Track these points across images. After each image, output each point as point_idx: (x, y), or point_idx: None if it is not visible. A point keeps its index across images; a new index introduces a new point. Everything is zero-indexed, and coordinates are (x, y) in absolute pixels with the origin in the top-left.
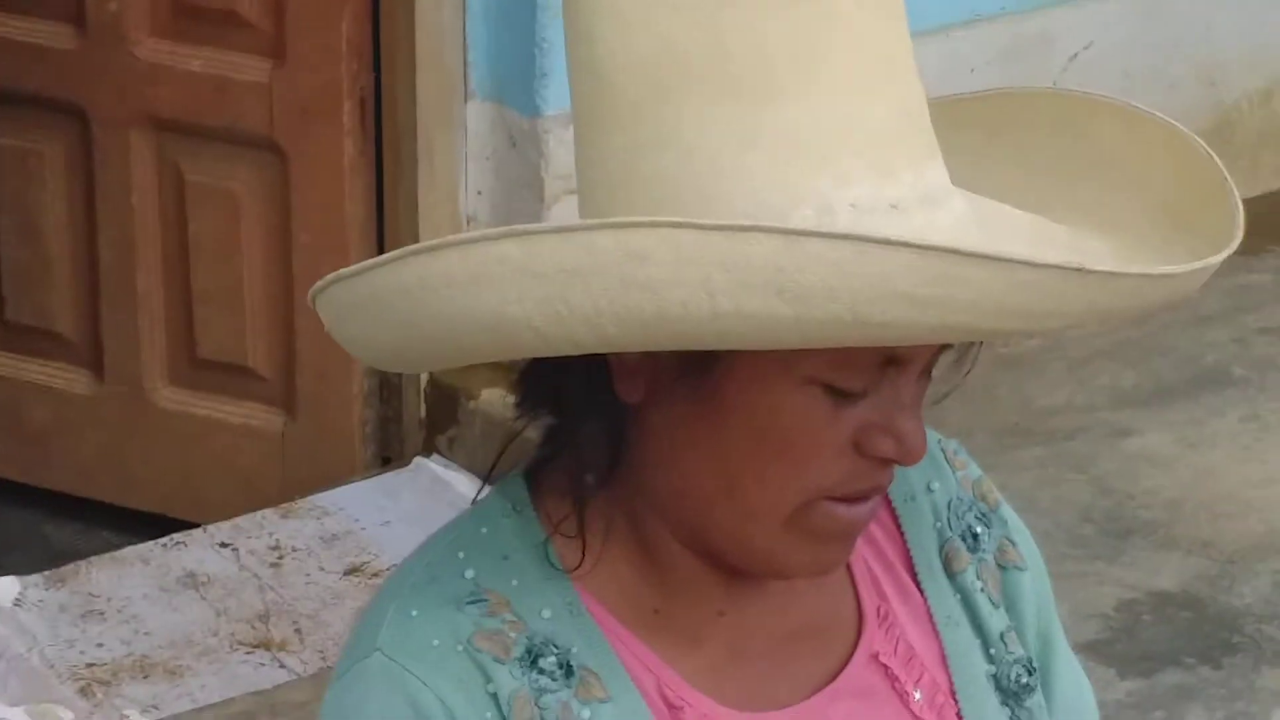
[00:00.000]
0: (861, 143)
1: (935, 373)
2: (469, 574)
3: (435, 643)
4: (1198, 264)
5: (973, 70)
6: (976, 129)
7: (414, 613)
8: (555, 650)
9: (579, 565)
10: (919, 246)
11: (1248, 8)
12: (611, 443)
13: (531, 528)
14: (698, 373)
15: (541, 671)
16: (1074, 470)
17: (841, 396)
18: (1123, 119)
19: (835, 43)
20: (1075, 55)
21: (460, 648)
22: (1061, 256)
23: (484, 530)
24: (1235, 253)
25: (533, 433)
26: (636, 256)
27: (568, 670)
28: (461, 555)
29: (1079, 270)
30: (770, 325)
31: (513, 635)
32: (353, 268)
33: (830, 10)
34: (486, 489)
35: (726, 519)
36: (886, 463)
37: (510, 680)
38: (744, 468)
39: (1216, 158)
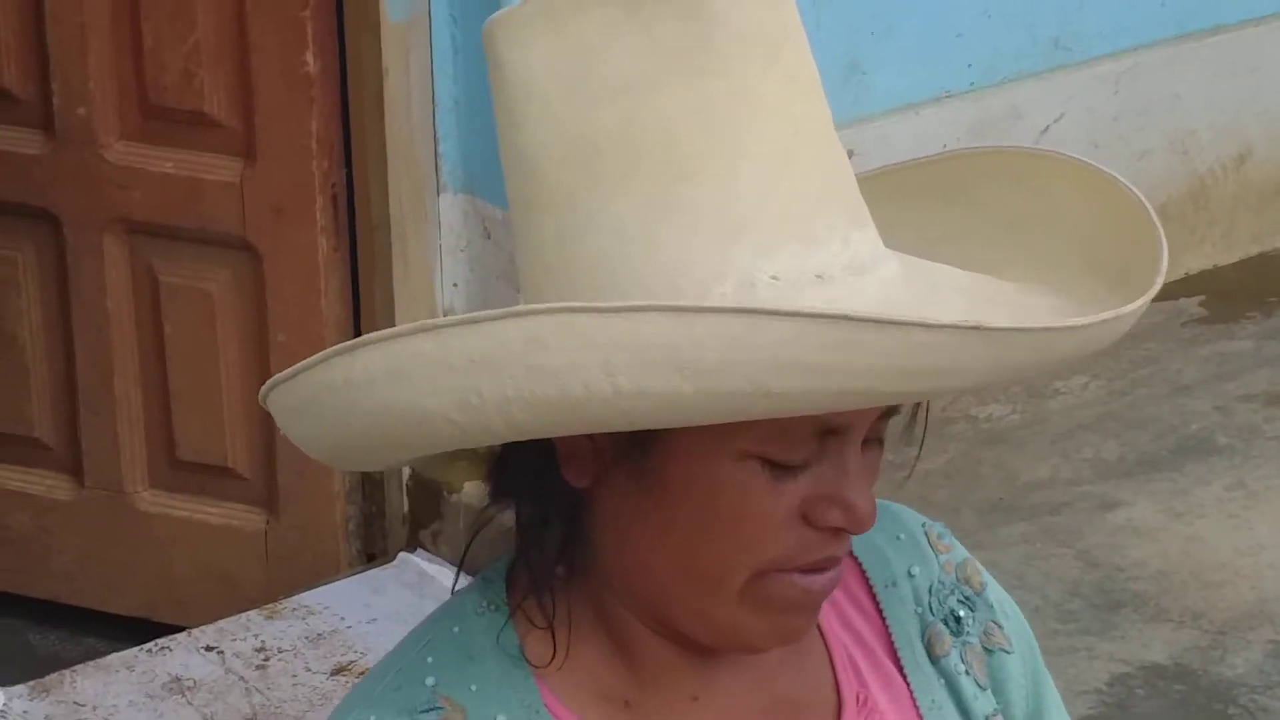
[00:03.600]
0: (781, 213)
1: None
2: (429, 681)
3: None
4: (1106, 314)
5: (944, 146)
6: (935, 192)
7: (372, 718)
8: None
9: (551, 660)
10: (809, 315)
11: (1216, 75)
12: (567, 530)
13: (503, 625)
14: (638, 453)
15: None
16: (1061, 545)
17: (781, 469)
18: (1071, 173)
19: (749, 118)
20: (1046, 128)
21: None
22: (988, 314)
23: (456, 630)
24: (1215, 321)
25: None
26: (538, 343)
27: None
28: (430, 660)
29: (975, 329)
30: (673, 402)
31: None
32: (287, 371)
33: (742, 87)
34: (465, 579)
35: (684, 596)
36: (838, 532)
37: None
38: (692, 544)
39: (1149, 207)
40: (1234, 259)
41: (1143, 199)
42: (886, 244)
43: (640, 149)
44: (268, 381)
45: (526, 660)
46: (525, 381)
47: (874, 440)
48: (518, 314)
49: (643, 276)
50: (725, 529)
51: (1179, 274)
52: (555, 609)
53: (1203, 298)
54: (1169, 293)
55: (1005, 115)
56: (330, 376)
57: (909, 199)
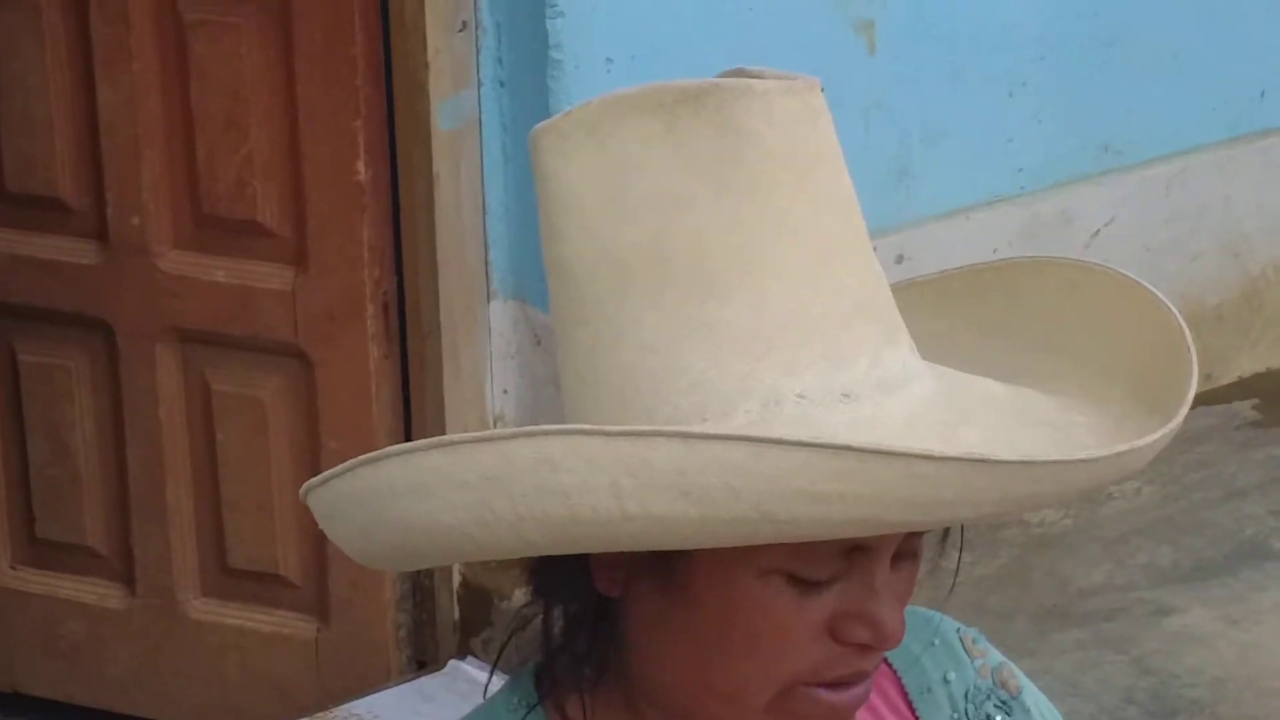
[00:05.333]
0: (808, 332)
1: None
2: None
3: None
4: (1120, 447)
5: (995, 251)
6: (987, 298)
7: None
8: None
9: None
10: (812, 445)
11: (1267, 177)
12: (599, 636)
13: None
14: (663, 566)
15: None
16: (1115, 651)
17: (806, 585)
18: (1120, 288)
19: (779, 238)
20: (1097, 232)
21: None
22: (1017, 436)
23: None
24: (1269, 424)
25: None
26: (548, 463)
27: None
28: None
29: (981, 461)
30: (679, 526)
31: None
32: (320, 476)
33: (772, 207)
34: (498, 681)
35: (710, 709)
36: (865, 648)
37: None
38: (717, 659)
39: (1187, 333)
40: None
41: (1182, 324)
42: (933, 350)
43: (670, 265)
44: (305, 484)
45: None
46: (536, 500)
47: (907, 555)
48: (529, 434)
49: (667, 393)
50: (749, 644)
51: (1232, 377)
52: (590, 708)
53: (1257, 401)
54: (1222, 396)
55: (1056, 219)
56: (356, 486)
57: (960, 306)
